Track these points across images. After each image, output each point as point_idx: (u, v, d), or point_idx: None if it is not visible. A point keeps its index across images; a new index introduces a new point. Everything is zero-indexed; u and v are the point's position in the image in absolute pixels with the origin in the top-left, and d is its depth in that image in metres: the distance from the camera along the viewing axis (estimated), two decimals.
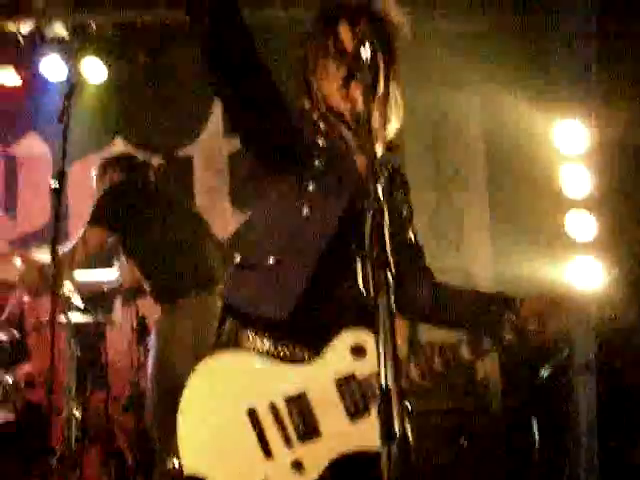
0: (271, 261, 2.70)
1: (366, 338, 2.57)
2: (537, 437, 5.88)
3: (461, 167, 7.55)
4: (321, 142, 2.79)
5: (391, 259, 1.93)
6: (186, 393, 2.64)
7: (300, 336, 2.68)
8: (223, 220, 7.39)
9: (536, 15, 7.21)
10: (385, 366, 1.87)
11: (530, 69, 7.22)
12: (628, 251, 6.69)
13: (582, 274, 6.78)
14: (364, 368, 2.57)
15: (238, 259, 2.79)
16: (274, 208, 2.80)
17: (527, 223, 7.33)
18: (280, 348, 2.68)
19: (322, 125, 2.81)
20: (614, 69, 6.86)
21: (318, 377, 2.61)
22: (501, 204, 7.49)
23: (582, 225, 6.89)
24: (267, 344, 2.67)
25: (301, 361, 2.65)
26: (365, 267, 2.43)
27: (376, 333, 1.85)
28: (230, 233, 7.34)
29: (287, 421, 2.59)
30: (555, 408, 6.72)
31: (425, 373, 2.61)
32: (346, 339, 2.61)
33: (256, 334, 2.69)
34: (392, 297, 1.89)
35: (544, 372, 6.21)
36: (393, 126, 2.88)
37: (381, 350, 1.84)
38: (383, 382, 1.87)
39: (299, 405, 2.59)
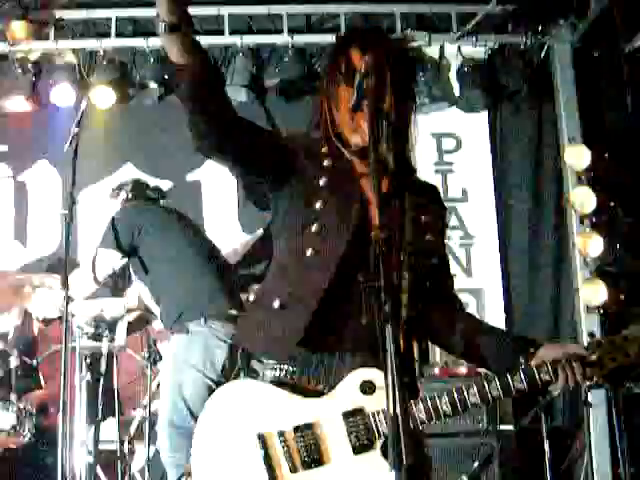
0: (276, 305, 2.74)
1: (376, 375, 2.60)
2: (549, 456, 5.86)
3: (469, 187, 7.57)
4: (326, 162, 2.82)
5: (399, 285, 1.96)
6: (202, 417, 2.74)
7: (309, 369, 2.73)
8: (231, 243, 7.42)
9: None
10: (393, 396, 1.91)
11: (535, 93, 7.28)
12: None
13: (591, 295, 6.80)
14: (372, 404, 2.61)
15: (252, 297, 2.87)
16: (281, 247, 2.87)
17: (536, 242, 7.35)
18: (290, 379, 2.73)
19: (326, 149, 2.84)
20: None
21: (327, 410, 2.66)
22: (510, 224, 7.50)
23: (590, 241, 6.90)
24: (278, 374, 2.73)
25: (313, 395, 2.70)
26: (369, 298, 2.44)
27: (384, 364, 1.88)
28: (240, 257, 7.34)
29: (294, 449, 2.64)
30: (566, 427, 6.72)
31: (431, 414, 2.62)
32: (357, 375, 2.65)
33: (266, 366, 2.76)
34: (397, 326, 1.92)
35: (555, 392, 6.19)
36: (404, 153, 2.89)
37: (389, 381, 1.86)
38: (391, 411, 1.90)
39: (306, 435, 2.64)
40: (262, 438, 2.65)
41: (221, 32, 7.22)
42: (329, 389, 2.69)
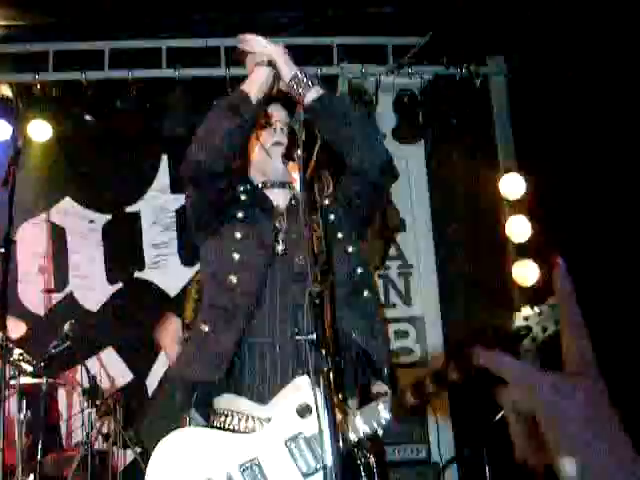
0: (205, 329, 2.88)
1: (311, 398, 2.61)
2: None
3: (407, 216, 7.63)
4: (243, 197, 3.13)
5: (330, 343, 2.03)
6: (150, 469, 2.75)
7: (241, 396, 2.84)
8: (171, 275, 7.41)
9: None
10: (329, 440, 1.95)
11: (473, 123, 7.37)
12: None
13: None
14: (311, 426, 2.63)
15: (186, 335, 2.98)
16: (207, 276, 3.06)
17: (474, 270, 7.42)
18: (225, 419, 2.78)
19: (244, 186, 3.15)
20: None
21: (268, 440, 2.69)
22: (447, 252, 7.58)
23: (527, 270, 7.01)
24: (212, 418, 2.80)
25: (252, 429, 2.74)
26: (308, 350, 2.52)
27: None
28: (179, 288, 7.34)
29: None
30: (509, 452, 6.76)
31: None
32: (291, 400, 2.68)
33: (197, 410, 2.82)
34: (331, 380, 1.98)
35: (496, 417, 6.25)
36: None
37: (324, 429, 1.90)
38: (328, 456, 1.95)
39: (253, 471, 2.67)
40: None
41: (159, 64, 7.21)
42: (264, 419, 2.75)
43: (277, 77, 3.07)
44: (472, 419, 6.35)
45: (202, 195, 3.03)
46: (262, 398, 2.83)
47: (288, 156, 2.82)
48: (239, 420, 2.82)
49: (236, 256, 2.96)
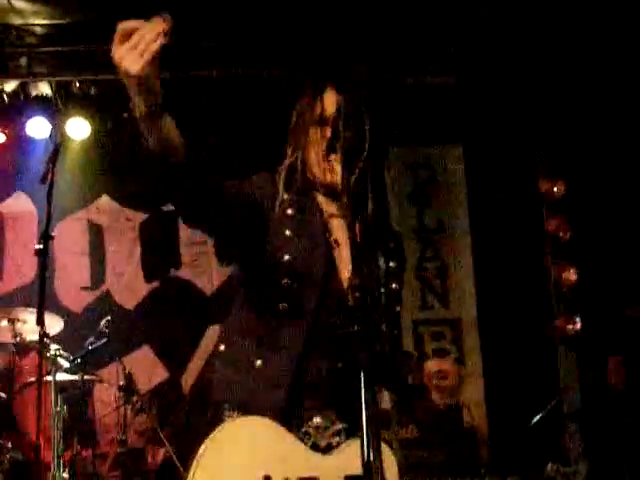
0: (258, 364, 2.69)
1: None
2: None
3: (445, 218, 7.60)
4: (290, 211, 2.77)
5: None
6: (207, 449, 2.63)
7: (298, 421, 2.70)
8: (208, 274, 7.42)
9: None
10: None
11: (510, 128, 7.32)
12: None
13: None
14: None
15: (222, 347, 2.79)
16: (251, 304, 2.79)
17: (512, 272, 7.37)
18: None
19: (290, 195, 2.79)
20: None
21: (331, 469, 2.62)
22: (485, 251, 7.53)
23: (566, 273, 6.96)
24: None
25: (318, 449, 2.67)
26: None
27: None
28: (215, 287, 7.35)
29: None
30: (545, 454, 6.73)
31: None
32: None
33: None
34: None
35: (535, 419, 6.22)
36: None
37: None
38: None
39: None
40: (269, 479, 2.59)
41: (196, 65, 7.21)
42: (334, 445, 2.67)
43: None
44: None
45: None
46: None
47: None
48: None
49: (286, 280, 2.70)
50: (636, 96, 6.80)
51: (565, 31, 6.66)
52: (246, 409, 2.68)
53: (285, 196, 2.78)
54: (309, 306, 2.67)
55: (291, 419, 2.67)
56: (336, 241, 2.76)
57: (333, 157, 2.63)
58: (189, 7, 6.20)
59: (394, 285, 2.83)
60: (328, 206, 2.83)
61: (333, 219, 2.81)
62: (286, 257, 2.69)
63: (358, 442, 2.50)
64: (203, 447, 2.60)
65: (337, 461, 2.64)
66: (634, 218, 6.91)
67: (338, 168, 2.55)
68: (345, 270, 2.67)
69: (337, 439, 2.68)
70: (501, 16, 6.68)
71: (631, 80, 6.80)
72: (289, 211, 2.76)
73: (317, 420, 2.69)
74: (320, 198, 2.83)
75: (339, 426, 2.70)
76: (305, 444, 2.66)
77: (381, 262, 2.37)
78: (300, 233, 2.74)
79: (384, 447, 2.40)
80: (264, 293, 2.72)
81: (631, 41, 6.62)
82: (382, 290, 2.31)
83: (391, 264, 2.78)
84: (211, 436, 2.61)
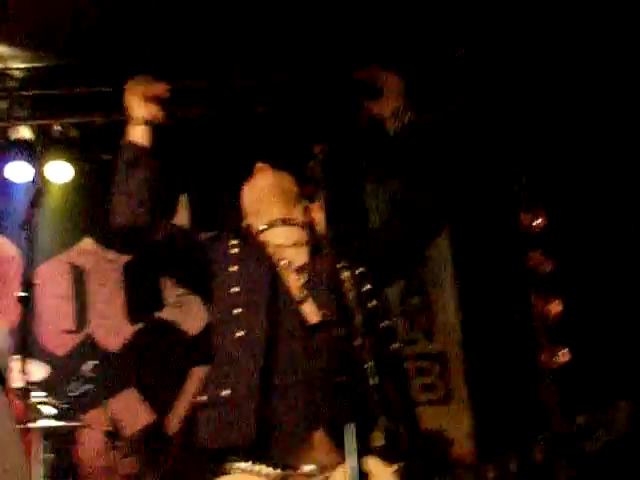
0: (223, 394, 2.76)
1: (372, 466, 2.47)
2: None
3: (428, 251, 7.58)
4: (235, 250, 3.07)
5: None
6: None
7: (275, 454, 2.71)
8: (193, 315, 7.39)
9: None
10: None
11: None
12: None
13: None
14: None
15: (204, 398, 2.86)
16: (217, 329, 2.98)
17: (497, 305, 7.37)
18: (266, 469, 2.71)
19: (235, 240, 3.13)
20: None
21: None
22: (468, 285, 7.53)
23: (549, 306, 6.96)
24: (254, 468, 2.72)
25: None
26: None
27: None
28: (200, 328, 7.32)
29: None
30: None
31: None
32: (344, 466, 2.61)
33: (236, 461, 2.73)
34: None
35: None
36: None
37: None
38: None
39: None
40: None
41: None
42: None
43: None
44: None
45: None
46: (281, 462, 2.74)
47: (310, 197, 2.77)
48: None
49: (237, 310, 2.90)
50: (617, 123, 6.85)
51: (541, 57, 6.71)
52: (224, 447, 2.74)
53: (232, 242, 3.11)
54: (261, 332, 2.79)
55: (263, 452, 2.72)
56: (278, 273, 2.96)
57: (313, 205, 2.76)
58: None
59: (372, 302, 2.80)
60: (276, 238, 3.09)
61: (283, 249, 3.05)
62: (234, 289, 2.90)
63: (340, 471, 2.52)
64: None
65: None
66: (617, 246, 6.95)
67: (318, 215, 2.65)
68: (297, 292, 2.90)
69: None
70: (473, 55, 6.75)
71: (612, 107, 6.85)
72: (234, 250, 3.06)
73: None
74: (264, 236, 3.10)
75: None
76: None
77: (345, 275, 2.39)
78: (244, 267, 2.99)
79: (374, 460, 2.41)
80: (222, 323, 2.92)
81: (613, 69, 6.68)
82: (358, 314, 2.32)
83: (358, 270, 2.77)
84: None
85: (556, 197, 7.18)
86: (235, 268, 2.99)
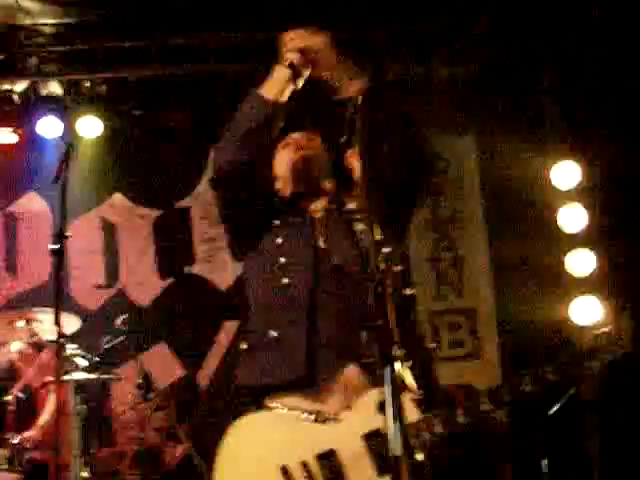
0: (271, 336, 2.90)
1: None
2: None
3: (459, 208, 7.57)
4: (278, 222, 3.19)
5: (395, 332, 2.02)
6: (221, 452, 2.78)
7: (315, 390, 2.83)
8: (223, 270, 7.42)
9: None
10: (394, 434, 1.94)
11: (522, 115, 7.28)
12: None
13: (583, 311, 6.82)
14: None
15: (245, 346, 2.95)
16: (257, 282, 3.09)
17: (527, 261, 7.33)
18: (304, 407, 2.81)
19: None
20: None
21: (346, 433, 2.71)
22: (500, 244, 7.50)
23: (581, 262, 6.93)
24: (291, 404, 2.83)
25: (330, 419, 2.76)
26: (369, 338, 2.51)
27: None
28: (230, 283, 7.35)
29: (318, 477, 2.67)
30: (565, 444, 6.72)
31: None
32: (372, 396, 2.66)
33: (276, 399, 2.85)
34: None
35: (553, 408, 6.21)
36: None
37: (390, 423, 1.89)
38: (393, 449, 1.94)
39: (329, 461, 2.68)
40: (286, 470, 2.69)
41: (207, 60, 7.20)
42: (343, 409, 2.76)
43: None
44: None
45: (228, 197, 3.16)
46: (315, 391, 2.82)
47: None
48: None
49: (282, 259, 3.01)
50: None
51: (581, 21, 6.64)
52: (268, 378, 2.88)
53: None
54: (305, 278, 2.97)
55: (308, 385, 2.84)
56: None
57: (349, 152, 2.77)
58: None
59: (397, 267, 2.91)
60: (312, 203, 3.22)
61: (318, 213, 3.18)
62: (282, 260, 3.01)
63: (365, 399, 2.57)
64: (223, 441, 2.70)
65: (350, 424, 2.72)
66: None
67: (355, 163, 2.67)
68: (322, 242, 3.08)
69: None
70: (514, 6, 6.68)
71: None
72: (276, 222, 3.16)
73: None
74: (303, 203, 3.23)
75: None
76: (317, 420, 2.77)
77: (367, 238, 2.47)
78: (288, 238, 3.10)
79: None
80: (265, 272, 3.06)
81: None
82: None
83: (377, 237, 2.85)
84: (229, 430, 2.71)
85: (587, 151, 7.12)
86: (277, 222, 3.13)
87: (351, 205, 3.15)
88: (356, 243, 2.95)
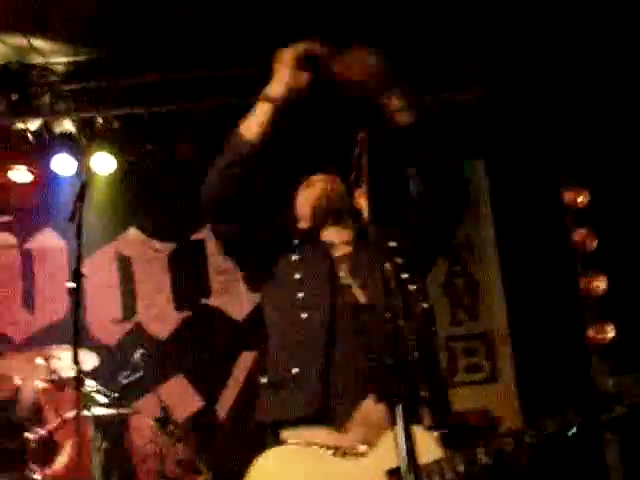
0: (289, 372, 2.94)
1: (415, 431, 2.50)
2: None
3: (471, 232, 7.59)
4: (295, 257, 3.21)
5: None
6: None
7: (332, 425, 2.87)
8: (239, 301, 7.45)
9: None
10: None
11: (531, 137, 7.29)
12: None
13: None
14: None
15: (264, 380, 2.98)
16: (275, 316, 3.15)
17: (540, 282, 7.34)
18: (322, 441, 2.83)
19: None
20: None
21: (369, 470, 2.70)
22: (513, 264, 7.51)
23: (595, 282, 6.93)
24: (309, 439, 2.86)
25: (354, 454, 2.78)
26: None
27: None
28: (246, 314, 7.39)
29: None
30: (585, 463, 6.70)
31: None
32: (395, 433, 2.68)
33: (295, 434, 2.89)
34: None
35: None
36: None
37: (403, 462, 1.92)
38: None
39: None
40: None
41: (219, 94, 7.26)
42: (362, 442, 2.78)
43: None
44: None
45: (221, 234, 3.32)
46: (332, 426, 2.85)
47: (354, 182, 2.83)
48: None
49: (300, 295, 3.05)
50: None
51: (586, 42, 6.66)
52: (286, 414, 2.92)
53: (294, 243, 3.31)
54: (323, 313, 3.01)
55: (326, 420, 2.87)
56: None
57: (357, 192, 2.81)
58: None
59: (425, 305, 3.07)
60: (332, 236, 3.31)
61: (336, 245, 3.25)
62: (299, 295, 3.05)
63: (389, 435, 2.60)
64: (246, 476, 2.73)
65: (373, 461, 2.72)
66: None
67: (363, 201, 2.70)
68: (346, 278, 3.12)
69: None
70: (521, 28, 6.71)
71: None
72: (294, 257, 3.21)
73: None
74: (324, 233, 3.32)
75: None
76: (335, 455, 2.79)
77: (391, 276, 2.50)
78: (307, 273, 3.14)
79: (417, 429, 2.47)
80: (285, 307, 3.11)
81: None
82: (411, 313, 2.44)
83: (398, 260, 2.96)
84: (252, 465, 2.73)
85: (599, 173, 7.13)
86: (296, 257, 3.18)
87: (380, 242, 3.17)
88: (382, 280, 2.96)
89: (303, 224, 3.39)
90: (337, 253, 3.23)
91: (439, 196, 3.13)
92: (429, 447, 2.64)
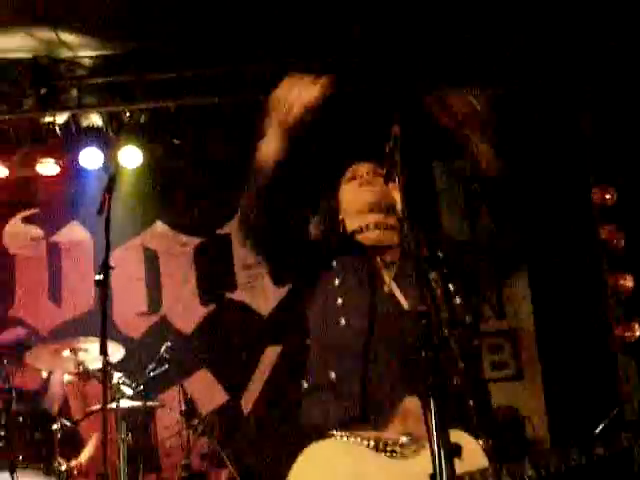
0: (332, 377, 2.94)
1: (462, 438, 2.56)
2: None
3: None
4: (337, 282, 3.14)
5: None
6: (293, 475, 2.77)
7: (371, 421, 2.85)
8: (264, 295, 7.46)
9: None
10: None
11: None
12: None
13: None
14: (459, 466, 2.59)
15: (305, 385, 2.99)
16: (316, 321, 3.14)
17: (567, 280, 7.30)
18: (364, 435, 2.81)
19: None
20: None
21: (414, 472, 2.66)
22: (539, 262, 7.46)
23: (622, 281, 6.88)
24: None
25: (399, 455, 2.76)
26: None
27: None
28: (271, 308, 7.39)
29: None
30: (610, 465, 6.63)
31: None
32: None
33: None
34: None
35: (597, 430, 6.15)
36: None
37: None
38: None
39: None
40: None
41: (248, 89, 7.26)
42: (413, 448, 2.75)
43: None
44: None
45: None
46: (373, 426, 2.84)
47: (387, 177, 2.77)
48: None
49: (340, 301, 3.04)
50: None
51: (616, 39, 6.63)
52: (333, 423, 2.89)
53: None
54: (363, 319, 2.99)
55: (362, 421, 2.86)
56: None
57: (391, 186, 2.76)
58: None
59: (467, 318, 3.01)
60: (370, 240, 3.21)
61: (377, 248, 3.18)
62: (339, 301, 3.05)
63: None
64: (291, 470, 2.75)
65: (418, 463, 2.69)
66: None
67: (397, 195, 2.67)
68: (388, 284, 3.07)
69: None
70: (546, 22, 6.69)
71: None
72: (336, 282, 3.13)
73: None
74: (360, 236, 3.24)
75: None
76: (384, 453, 2.76)
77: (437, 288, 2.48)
78: (347, 279, 3.11)
79: (464, 436, 2.46)
80: (324, 313, 3.09)
81: None
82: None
83: (451, 286, 2.93)
84: (298, 459, 2.75)
85: (627, 172, 7.08)
86: (335, 263, 3.15)
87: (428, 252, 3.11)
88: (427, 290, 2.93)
89: (346, 223, 3.30)
90: (381, 257, 3.16)
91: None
92: (475, 455, 2.63)
